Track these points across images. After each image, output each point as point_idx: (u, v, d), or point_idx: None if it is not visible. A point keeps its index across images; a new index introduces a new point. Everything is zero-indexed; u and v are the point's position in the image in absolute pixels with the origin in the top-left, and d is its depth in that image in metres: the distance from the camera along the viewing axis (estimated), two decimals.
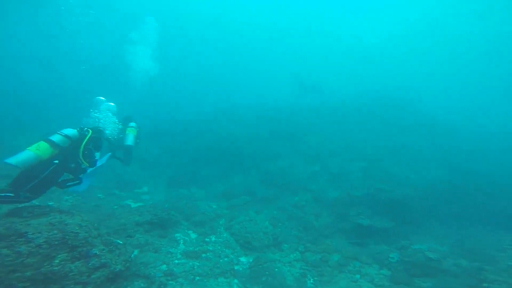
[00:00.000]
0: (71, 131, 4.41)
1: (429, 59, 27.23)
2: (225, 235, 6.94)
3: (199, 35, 32.91)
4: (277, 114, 14.96)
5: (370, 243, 7.06)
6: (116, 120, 5.58)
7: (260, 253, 6.34)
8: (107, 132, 5.11)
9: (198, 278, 5.10)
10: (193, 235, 6.75)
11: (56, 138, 4.20)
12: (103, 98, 5.60)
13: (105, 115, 5.41)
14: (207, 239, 6.64)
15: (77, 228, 3.93)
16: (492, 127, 17.57)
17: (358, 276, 5.88)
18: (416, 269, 5.93)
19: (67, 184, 4.31)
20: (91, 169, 4.66)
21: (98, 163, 4.78)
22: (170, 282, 4.83)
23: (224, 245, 6.49)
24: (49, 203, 6.75)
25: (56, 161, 4.06)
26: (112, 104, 5.64)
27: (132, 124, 5.92)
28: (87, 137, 4.46)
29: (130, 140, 5.47)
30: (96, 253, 3.82)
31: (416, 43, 27.52)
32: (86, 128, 4.63)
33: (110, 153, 5.18)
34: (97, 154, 4.64)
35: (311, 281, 5.67)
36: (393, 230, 7.37)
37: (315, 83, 21.31)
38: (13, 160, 3.71)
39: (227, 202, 8.97)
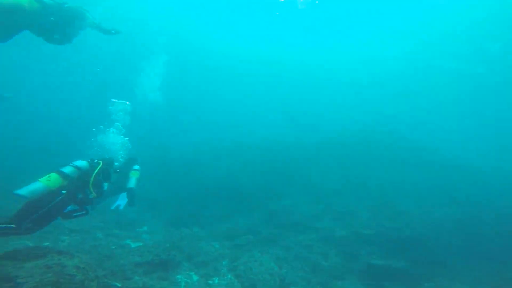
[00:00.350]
0: (82, 163, 4.45)
1: (429, 95, 27.45)
2: (229, 276, 6.50)
3: (200, 74, 33.78)
4: (277, 152, 14.90)
5: (387, 285, 6.55)
6: (122, 153, 5.61)
7: None
8: (116, 164, 5.15)
9: None
10: (195, 277, 6.33)
11: (67, 169, 4.22)
12: (116, 100, 5.70)
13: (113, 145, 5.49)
14: (210, 282, 6.21)
15: (74, 270, 3.69)
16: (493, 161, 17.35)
17: None
18: None
19: (73, 215, 4.22)
20: (122, 205, 5.20)
21: (122, 202, 5.15)
22: None
23: None
24: (44, 244, 6.46)
25: (64, 191, 4.00)
26: (128, 103, 5.73)
27: (136, 167, 5.92)
28: (98, 169, 4.48)
29: (132, 183, 5.52)
30: None
31: (416, 78, 27.89)
32: (96, 160, 4.67)
33: (125, 192, 5.27)
34: (105, 185, 4.66)
35: None
36: (412, 270, 6.87)
37: (309, 120, 21.53)
38: (23, 191, 3.65)
39: (230, 242, 8.57)
